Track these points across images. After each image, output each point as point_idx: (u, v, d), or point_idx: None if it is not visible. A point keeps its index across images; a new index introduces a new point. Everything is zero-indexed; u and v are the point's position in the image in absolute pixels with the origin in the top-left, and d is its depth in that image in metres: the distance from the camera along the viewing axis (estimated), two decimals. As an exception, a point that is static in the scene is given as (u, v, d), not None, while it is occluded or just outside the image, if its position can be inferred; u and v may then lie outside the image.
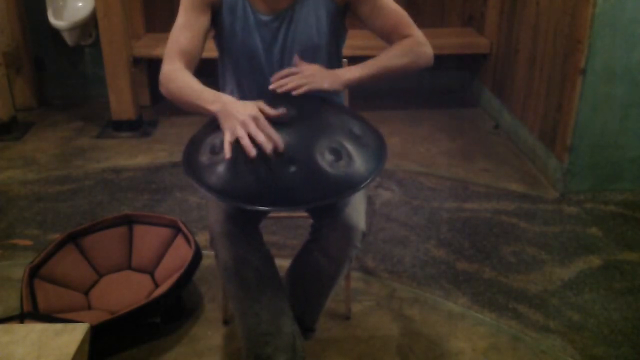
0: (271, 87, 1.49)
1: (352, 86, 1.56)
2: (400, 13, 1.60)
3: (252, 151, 1.27)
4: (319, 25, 1.58)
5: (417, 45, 1.58)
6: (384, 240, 2.45)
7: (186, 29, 1.54)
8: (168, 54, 1.52)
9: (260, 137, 1.28)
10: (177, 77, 1.47)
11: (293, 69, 1.51)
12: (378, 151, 1.40)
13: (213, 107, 1.38)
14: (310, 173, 1.29)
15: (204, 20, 1.57)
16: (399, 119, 3.70)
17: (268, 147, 1.27)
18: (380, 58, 1.57)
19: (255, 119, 1.31)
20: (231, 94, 1.70)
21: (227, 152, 1.28)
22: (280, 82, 1.49)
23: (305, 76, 1.48)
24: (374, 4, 1.58)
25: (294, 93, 1.45)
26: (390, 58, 1.57)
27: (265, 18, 1.58)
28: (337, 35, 1.65)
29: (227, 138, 1.30)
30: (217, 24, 1.62)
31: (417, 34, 1.60)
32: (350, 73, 1.54)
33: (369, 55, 1.71)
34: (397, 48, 1.58)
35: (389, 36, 1.61)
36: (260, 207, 1.28)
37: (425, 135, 3.49)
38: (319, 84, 1.48)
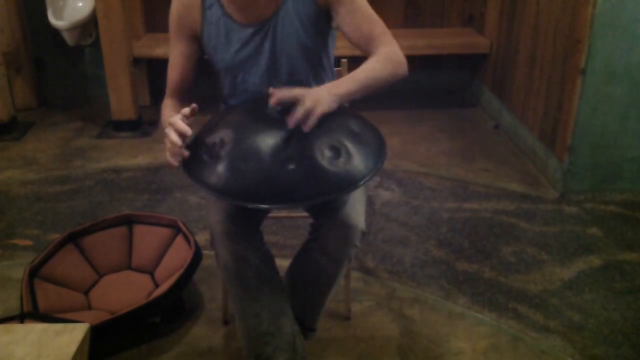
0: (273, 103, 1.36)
1: (344, 100, 1.46)
2: (375, 18, 1.58)
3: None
4: (304, 28, 1.58)
5: (394, 54, 1.54)
6: (384, 240, 2.45)
7: (174, 62, 1.67)
8: (166, 88, 1.70)
9: (172, 137, 1.37)
10: (163, 113, 1.66)
11: (296, 94, 1.35)
12: (377, 149, 1.41)
13: None
14: (309, 170, 1.29)
15: (191, 47, 1.66)
16: (399, 119, 3.70)
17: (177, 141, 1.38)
18: (363, 71, 1.50)
19: (171, 124, 1.38)
20: (228, 97, 1.72)
21: (173, 162, 1.41)
22: (292, 115, 1.33)
23: (311, 101, 1.34)
24: (350, 6, 1.55)
25: (305, 129, 1.33)
26: (373, 70, 1.51)
27: (248, 30, 1.58)
28: (324, 36, 1.64)
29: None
30: (202, 43, 1.65)
31: (392, 42, 1.57)
32: (342, 88, 1.44)
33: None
34: (377, 60, 1.53)
35: (366, 42, 1.57)
36: (260, 205, 1.29)
37: (425, 135, 3.49)
38: (326, 107, 1.36)
